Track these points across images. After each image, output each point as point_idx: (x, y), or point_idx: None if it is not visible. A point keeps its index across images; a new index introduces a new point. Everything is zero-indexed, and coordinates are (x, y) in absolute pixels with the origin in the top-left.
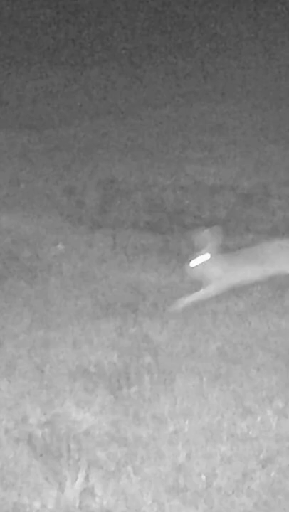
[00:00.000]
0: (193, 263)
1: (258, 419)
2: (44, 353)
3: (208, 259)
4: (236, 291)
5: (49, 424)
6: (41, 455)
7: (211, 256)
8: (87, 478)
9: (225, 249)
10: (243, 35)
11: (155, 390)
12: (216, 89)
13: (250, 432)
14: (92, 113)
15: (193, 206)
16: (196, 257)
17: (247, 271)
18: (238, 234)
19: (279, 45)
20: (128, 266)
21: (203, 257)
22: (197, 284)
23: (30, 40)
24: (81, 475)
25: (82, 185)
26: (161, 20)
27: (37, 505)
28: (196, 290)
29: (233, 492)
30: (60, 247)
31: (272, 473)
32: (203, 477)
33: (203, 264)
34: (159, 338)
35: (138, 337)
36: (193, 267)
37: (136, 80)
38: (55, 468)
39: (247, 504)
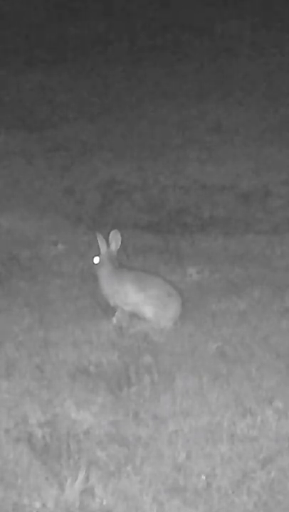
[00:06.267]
0: (95, 260)
1: (258, 419)
2: (44, 353)
3: (99, 263)
4: (236, 291)
5: (49, 424)
6: (41, 455)
7: (100, 260)
8: (87, 478)
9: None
10: (243, 35)
11: (155, 390)
12: (216, 89)
13: (250, 432)
14: (92, 113)
15: (193, 206)
16: (96, 256)
17: (120, 291)
18: (238, 234)
19: (279, 45)
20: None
21: (96, 259)
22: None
23: (30, 40)
24: (81, 475)
25: (82, 185)
26: (161, 20)
27: (37, 505)
28: (196, 291)
29: (233, 492)
30: (60, 247)
31: (272, 473)
32: (203, 477)
33: (97, 264)
34: (159, 338)
35: (138, 337)
36: (94, 263)
37: (136, 79)
38: (55, 468)
39: (247, 504)
